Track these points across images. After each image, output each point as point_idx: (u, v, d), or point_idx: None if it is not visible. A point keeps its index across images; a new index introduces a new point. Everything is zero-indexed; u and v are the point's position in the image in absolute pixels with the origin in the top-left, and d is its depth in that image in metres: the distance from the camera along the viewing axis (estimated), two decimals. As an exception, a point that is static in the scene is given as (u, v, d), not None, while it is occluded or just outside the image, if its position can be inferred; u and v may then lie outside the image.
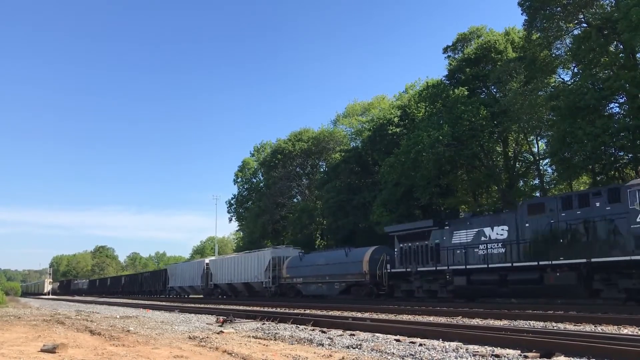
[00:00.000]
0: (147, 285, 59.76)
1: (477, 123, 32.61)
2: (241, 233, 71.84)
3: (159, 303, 30.92)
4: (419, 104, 40.57)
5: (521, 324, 11.72)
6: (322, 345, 8.95)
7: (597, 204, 16.62)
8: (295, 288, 32.04)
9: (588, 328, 10.70)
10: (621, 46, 26.19)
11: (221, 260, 41.73)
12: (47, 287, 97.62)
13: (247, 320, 15.06)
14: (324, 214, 48.08)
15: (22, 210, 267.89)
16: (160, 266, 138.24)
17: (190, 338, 10.66)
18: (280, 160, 55.63)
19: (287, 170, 55.56)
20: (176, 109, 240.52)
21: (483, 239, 20.61)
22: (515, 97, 30.46)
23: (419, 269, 22.76)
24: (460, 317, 13.97)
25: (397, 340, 9.03)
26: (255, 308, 21.31)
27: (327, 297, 29.20)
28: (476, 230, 21.11)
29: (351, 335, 10.18)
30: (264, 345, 9.22)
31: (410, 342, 8.71)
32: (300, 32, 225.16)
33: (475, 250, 20.82)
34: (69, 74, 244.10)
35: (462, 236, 21.58)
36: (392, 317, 14.86)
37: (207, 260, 44.48)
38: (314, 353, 8.03)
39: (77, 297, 67.34)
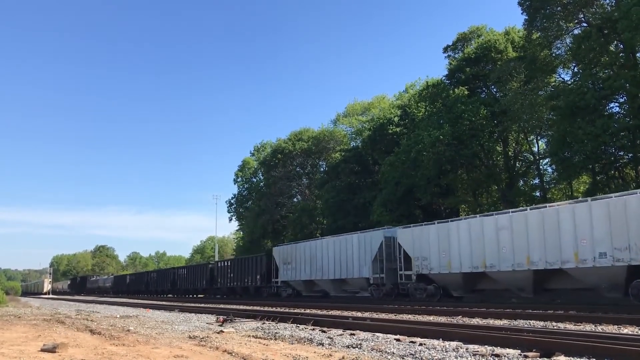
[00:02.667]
0: (226, 280, 39.30)
1: (477, 123, 32.65)
2: (241, 233, 71.86)
3: (159, 302, 30.92)
4: (419, 104, 40.62)
5: (521, 323, 11.71)
6: (322, 344, 8.95)
7: None
8: None
9: (588, 328, 10.69)
10: (621, 46, 26.21)
11: (441, 230, 21.36)
12: (47, 287, 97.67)
13: (247, 319, 15.06)
14: (324, 214, 48.10)
15: (22, 210, 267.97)
16: (161, 266, 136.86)
17: (190, 337, 10.66)
18: (280, 160, 55.64)
19: (287, 170, 55.57)
20: (176, 108, 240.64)
21: None
22: (515, 96, 30.48)
23: None
24: (460, 316, 13.97)
25: (397, 340, 9.03)
26: (255, 308, 21.32)
27: None
28: None
29: (351, 334, 10.18)
30: (264, 344, 9.22)
31: (410, 342, 8.71)
32: (300, 32, 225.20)
33: None
34: (69, 74, 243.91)
35: None
36: (392, 316, 14.86)
37: (389, 233, 24.77)
38: (314, 352, 8.03)
39: (77, 297, 65.70)
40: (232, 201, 68.47)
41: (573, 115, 25.37)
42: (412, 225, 23.84)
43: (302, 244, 31.32)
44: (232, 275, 38.50)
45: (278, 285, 32.59)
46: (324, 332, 10.90)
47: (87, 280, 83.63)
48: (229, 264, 40.56)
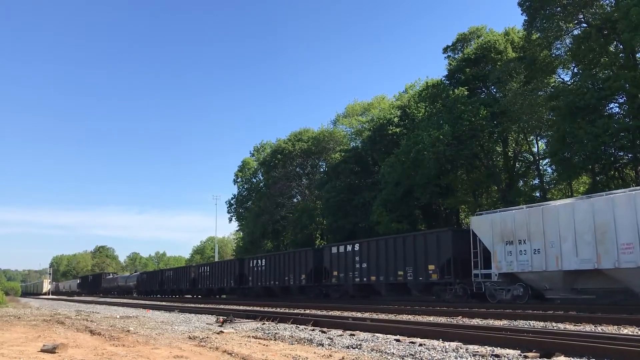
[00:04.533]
0: (351, 272, 25.74)
1: (477, 123, 32.61)
2: (241, 233, 71.82)
3: (158, 303, 30.92)
4: (419, 104, 40.55)
5: (521, 324, 11.71)
6: (322, 345, 8.95)
7: None
8: None
9: (588, 328, 10.69)
10: (621, 46, 26.20)
11: None
12: (47, 287, 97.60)
13: (247, 320, 15.05)
14: (324, 214, 48.04)
15: (22, 210, 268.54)
16: (161, 266, 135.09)
17: (190, 338, 10.65)
18: (280, 160, 55.59)
19: (287, 170, 55.52)
20: (176, 109, 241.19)
21: None
22: (515, 97, 30.45)
23: None
24: (460, 317, 13.96)
25: (397, 340, 9.03)
26: (255, 308, 21.31)
27: None
28: None
29: (351, 335, 10.18)
30: (264, 345, 9.22)
31: (410, 342, 8.71)
32: (300, 33, 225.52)
33: None
34: (68, 74, 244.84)
35: None
36: (392, 317, 14.85)
37: None
38: (314, 353, 8.03)
39: (78, 298, 64.91)
40: (232, 201, 68.45)
41: (573, 115, 25.35)
42: None
43: (563, 205, 16.97)
44: (364, 265, 24.94)
45: (491, 280, 18.86)
46: (323, 332, 10.90)
47: (101, 278, 71.14)
48: (357, 248, 25.72)
